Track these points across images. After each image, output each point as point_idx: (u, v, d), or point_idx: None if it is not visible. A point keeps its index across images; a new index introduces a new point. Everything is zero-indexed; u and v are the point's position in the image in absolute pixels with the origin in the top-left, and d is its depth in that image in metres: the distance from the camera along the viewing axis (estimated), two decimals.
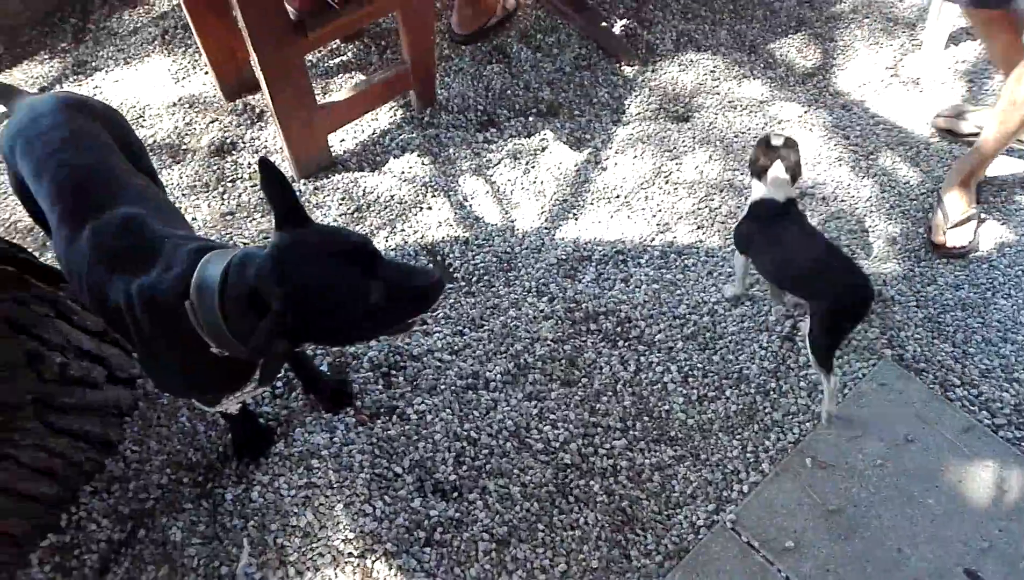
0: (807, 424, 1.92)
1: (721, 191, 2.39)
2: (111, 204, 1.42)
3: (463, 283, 2.22)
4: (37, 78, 2.82)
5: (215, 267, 1.25)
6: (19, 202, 1.67)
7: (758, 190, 1.95)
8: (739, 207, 2.34)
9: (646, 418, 1.94)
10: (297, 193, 2.38)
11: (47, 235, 1.66)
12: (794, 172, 1.91)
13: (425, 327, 2.11)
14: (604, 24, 2.85)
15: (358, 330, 1.29)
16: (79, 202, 1.43)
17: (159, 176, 1.90)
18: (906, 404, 1.95)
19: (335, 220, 2.33)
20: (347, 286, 1.21)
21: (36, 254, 1.98)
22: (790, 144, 1.92)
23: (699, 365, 2.03)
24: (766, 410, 1.95)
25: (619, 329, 2.10)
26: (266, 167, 1.24)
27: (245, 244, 2.28)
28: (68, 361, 1.73)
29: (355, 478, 1.79)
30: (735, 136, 2.53)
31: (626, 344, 2.07)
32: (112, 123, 1.67)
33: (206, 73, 2.72)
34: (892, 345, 2.06)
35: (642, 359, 2.04)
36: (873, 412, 1.93)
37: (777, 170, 1.89)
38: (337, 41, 2.80)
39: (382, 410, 1.94)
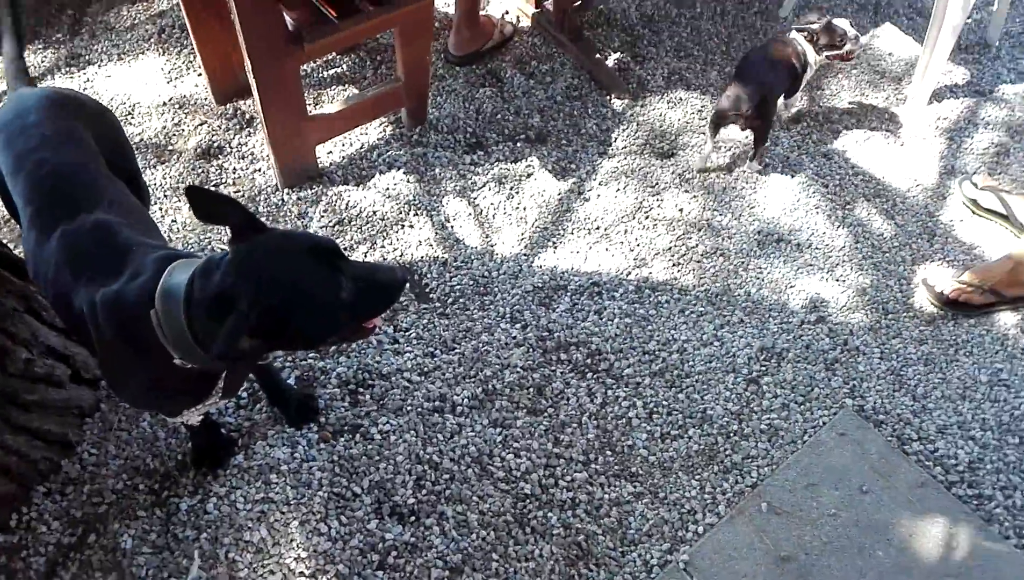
0: (765, 469, 1.94)
1: (699, 230, 2.41)
2: (85, 208, 1.41)
3: (438, 304, 2.23)
4: (30, 67, 2.81)
5: (181, 275, 1.24)
6: None
7: None
8: (716, 248, 2.37)
9: (608, 452, 1.96)
10: (280, 201, 2.40)
11: (20, 228, 1.65)
12: (812, 37, 2.52)
13: (396, 346, 2.12)
14: (598, 56, 2.88)
15: (326, 329, 1.28)
16: (53, 203, 1.43)
17: (143, 176, 1.91)
18: (863, 455, 1.97)
19: (316, 231, 2.34)
20: (317, 281, 1.21)
21: (11, 247, 1.98)
22: (828, 24, 2.52)
23: (664, 402, 2.05)
24: (726, 452, 1.97)
25: (589, 361, 2.12)
26: (194, 194, 1.19)
27: (222, 250, 2.28)
28: (34, 357, 1.72)
29: (313, 496, 1.79)
30: (717, 176, 2.56)
31: (595, 376, 2.09)
32: (101, 121, 1.67)
33: (199, 75, 2.73)
34: (854, 395, 2.09)
35: (609, 393, 2.06)
36: (831, 461, 1.95)
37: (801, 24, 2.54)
38: (332, 53, 2.82)
39: (346, 428, 1.94)
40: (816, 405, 2.06)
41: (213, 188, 2.43)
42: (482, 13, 2.87)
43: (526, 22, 3.02)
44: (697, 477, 1.93)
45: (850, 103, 2.81)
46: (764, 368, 2.12)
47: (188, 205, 1.20)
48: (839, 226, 2.45)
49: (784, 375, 2.10)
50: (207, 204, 1.22)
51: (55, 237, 1.39)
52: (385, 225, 2.38)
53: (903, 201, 2.53)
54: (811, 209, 2.48)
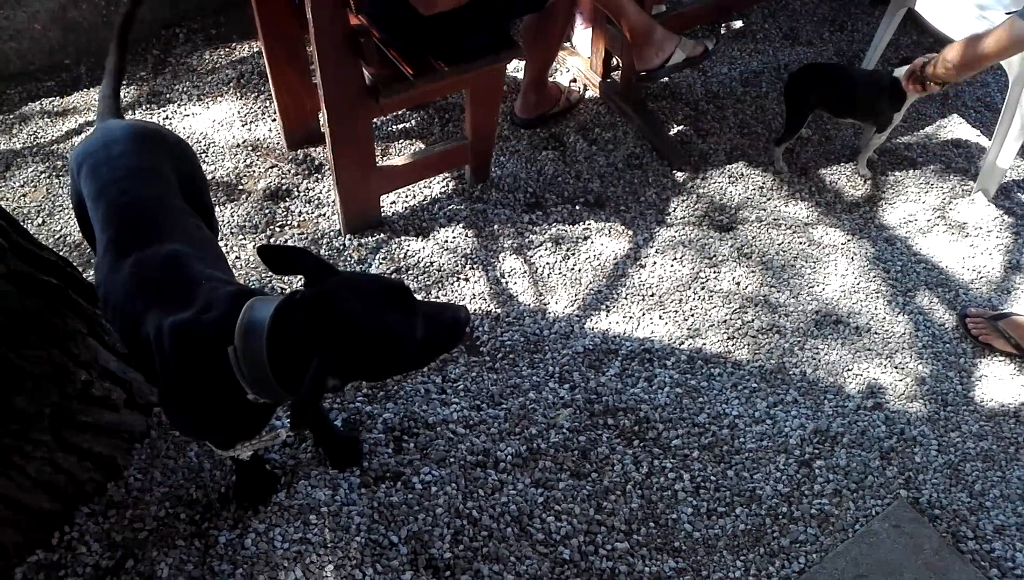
0: (814, 555, 1.87)
1: (756, 305, 2.39)
2: (160, 238, 1.45)
3: (487, 358, 2.23)
4: None
5: (261, 312, 1.25)
6: (75, 217, 1.72)
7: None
8: (772, 325, 2.34)
9: (652, 524, 1.91)
10: (342, 246, 2.44)
11: (95, 254, 1.70)
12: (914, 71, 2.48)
13: (444, 397, 2.11)
14: (661, 128, 2.92)
15: (400, 365, 1.31)
16: (130, 232, 1.47)
17: (215, 212, 1.96)
18: (916, 550, 1.90)
19: None
20: (395, 319, 1.24)
21: (80, 270, 2.04)
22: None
23: (712, 477, 2.00)
24: (774, 534, 1.91)
25: (636, 428, 2.09)
26: (266, 252, 1.27)
27: (282, 289, 2.33)
28: (92, 379, 1.75)
29: (350, 540, 1.77)
30: (776, 253, 2.55)
31: (641, 444, 2.05)
32: (181, 156, 1.73)
33: (273, 121, 2.82)
34: (909, 486, 2.02)
35: (655, 462, 2.02)
36: (882, 553, 1.88)
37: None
38: (404, 108, 2.90)
39: (388, 475, 1.93)
40: (869, 494, 1.99)
41: (278, 228, 2.49)
42: (550, 80, 2.93)
43: (592, 91, 3.07)
44: (742, 558, 1.87)
45: (915, 191, 2.79)
46: (817, 451, 2.06)
47: (262, 261, 1.29)
48: (900, 313, 2.41)
49: (838, 460, 2.05)
50: (279, 258, 1.28)
51: (128, 264, 1.42)
52: (441, 276, 2.41)
53: (966, 292, 2.48)
54: (871, 293, 2.45)
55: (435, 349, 1.34)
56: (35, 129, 2.83)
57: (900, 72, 2.53)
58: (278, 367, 1.23)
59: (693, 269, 2.49)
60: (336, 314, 1.21)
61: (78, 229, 2.40)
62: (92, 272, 2.26)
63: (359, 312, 1.22)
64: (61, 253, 2.27)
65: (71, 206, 1.73)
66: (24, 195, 2.59)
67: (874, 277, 2.50)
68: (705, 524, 1.92)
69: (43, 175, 2.65)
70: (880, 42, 3.05)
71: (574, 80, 3.11)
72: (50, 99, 2.96)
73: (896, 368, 2.27)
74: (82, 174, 1.59)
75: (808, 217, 2.67)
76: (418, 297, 2.29)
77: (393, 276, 2.35)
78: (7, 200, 2.55)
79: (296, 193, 2.61)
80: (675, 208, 2.68)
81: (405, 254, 2.45)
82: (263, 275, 2.34)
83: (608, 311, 2.37)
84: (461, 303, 2.33)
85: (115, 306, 1.44)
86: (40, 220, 2.51)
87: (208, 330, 1.28)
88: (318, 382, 1.17)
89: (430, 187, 2.67)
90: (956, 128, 3.05)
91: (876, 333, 2.35)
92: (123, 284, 1.42)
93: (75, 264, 2.09)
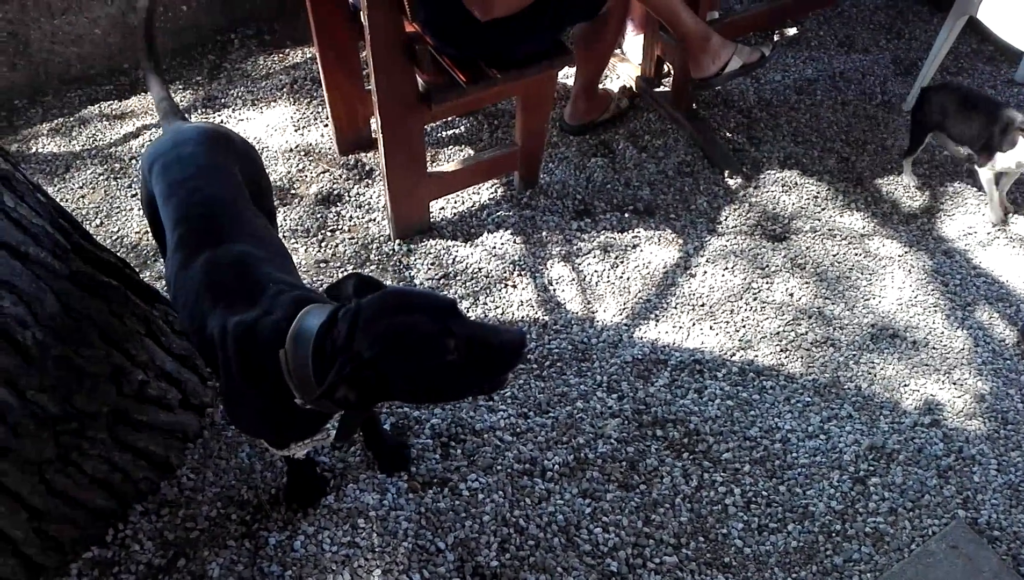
0: (868, 575, 1.83)
1: (810, 317, 2.35)
2: (230, 238, 1.47)
3: (535, 366, 2.22)
4: None
5: (313, 320, 1.27)
6: (136, 219, 1.75)
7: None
8: (827, 338, 2.29)
9: (701, 538, 1.88)
10: (391, 251, 2.46)
11: (161, 255, 1.73)
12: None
13: (491, 403, 2.11)
14: (713, 135, 2.88)
15: (437, 388, 1.28)
16: (201, 230, 1.50)
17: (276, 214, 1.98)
18: (975, 572, 1.84)
19: (421, 284, 2.38)
20: (421, 340, 1.21)
21: (137, 271, 2.07)
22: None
23: (764, 492, 1.96)
24: (827, 552, 1.87)
25: (686, 440, 2.06)
26: (329, 290, 1.37)
27: None
28: (148, 379, 1.78)
29: (398, 545, 1.78)
30: (831, 264, 2.50)
31: (691, 457, 2.03)
32: (248, 159, 1.75)
33: (325, 126, 2.85)
34: (967, 506, 1.96)
35: (705, 476, 1.99)
36: (939, 575, 1.82)
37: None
38: (453, 115, 2.90)
39: (435, 480, 1.93)
40: (926, 513, 1.94)
41: (329, 233, 2.51)
42: (600, 87, 2.92)
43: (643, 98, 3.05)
44: (794, 575, 1.83)
45: (974, 203, 2.71)
46: (872, 468, 2.01)
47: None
48: (958, 327, 2.34)
49: (893, 478, 1.99)
50: (336, 291, 1.33)
51: (199, 263, 1.45)
52: (489, 282, 2.40)
53: None
54: (929, 307, 2.39)
55: (482, 373, 1.27)
56: (94, 132, 2.90)
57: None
58: (320, 377, 1.24)
59: (745, 279, 2.45)
60: (363, 331, 1.20)
61: (135, 231, 2.47)
62: (149, 273, 2.31)
63: (385, 331, 1.20)
64: (119, 254, 2.32)
65: (140, 208, 1.77)
66: (83, 197, 2.65)
67: (932, 290, 2.44)
68: (756, 540, 1.88)
69: (101, 177, 2.71)
70: (939, 50, 2.98)
71: (624, 87, 3.09)
72: (109, 102, 3.03)
73: (954, 384, 2.21)
74: (154, 174, 1.62)
75: (864, 228, 2.62)
76: (465, 304, 2.32)
77: (440, 281, 2.37)
78: (67, 201, 2.62)
79: (347, 198, 2.63)
80: (727, 217, 2.65)
81: (453, 260, 2.45)
82: (314, 279, 2.37)
83: (657, 321, 2.35)
84: (503, 317, 2.31)
85: (184, 303, 1.46)
86: (98, 221, 2.56)
87: (265, 332, 1.30)
88: (330, 389, 1.18)
89: (479, 193, 2.67)
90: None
91: (934, 348, 2.29)
92: (193, 282, 1.44)
93: (132, 265, 2.13)
